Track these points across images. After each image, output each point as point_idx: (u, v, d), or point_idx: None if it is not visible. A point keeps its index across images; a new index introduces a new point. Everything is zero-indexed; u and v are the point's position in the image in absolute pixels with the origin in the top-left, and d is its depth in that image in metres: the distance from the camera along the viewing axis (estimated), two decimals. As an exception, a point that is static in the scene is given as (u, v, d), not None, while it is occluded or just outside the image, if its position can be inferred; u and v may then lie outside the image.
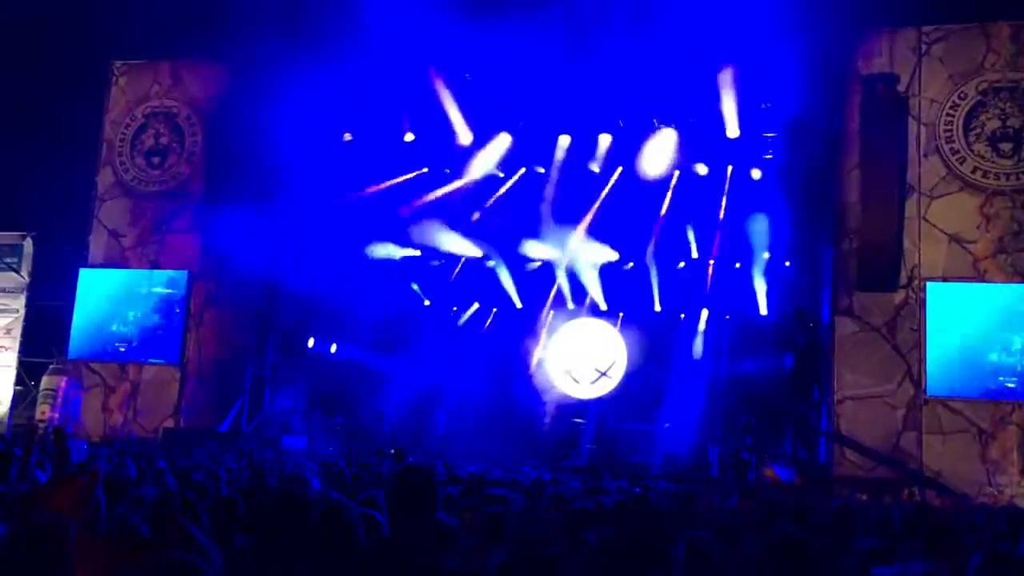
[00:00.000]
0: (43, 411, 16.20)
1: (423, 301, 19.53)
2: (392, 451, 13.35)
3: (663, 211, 17.28)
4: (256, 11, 14.40)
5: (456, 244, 18.38)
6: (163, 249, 17.22)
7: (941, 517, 6.85)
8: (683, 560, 3.47)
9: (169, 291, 17.02)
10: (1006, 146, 13.90)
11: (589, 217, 17.60)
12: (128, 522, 3.90)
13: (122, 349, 17.08)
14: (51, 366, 16.92)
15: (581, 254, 17.92)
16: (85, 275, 17.46)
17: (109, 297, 17.26)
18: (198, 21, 15.37)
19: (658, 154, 16.57)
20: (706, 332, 17.86)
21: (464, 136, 16.88)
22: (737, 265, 17.31)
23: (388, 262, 18.62)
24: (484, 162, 17.40)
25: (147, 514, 4.06)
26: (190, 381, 16.76)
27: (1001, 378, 13.39)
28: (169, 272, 17.08)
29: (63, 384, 16.57)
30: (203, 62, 17.21)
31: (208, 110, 17.03)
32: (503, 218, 18.02)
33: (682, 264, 17.70)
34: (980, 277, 13.71)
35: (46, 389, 16.48)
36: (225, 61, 16.59)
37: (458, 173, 18.02)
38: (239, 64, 16.10)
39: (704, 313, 17.80)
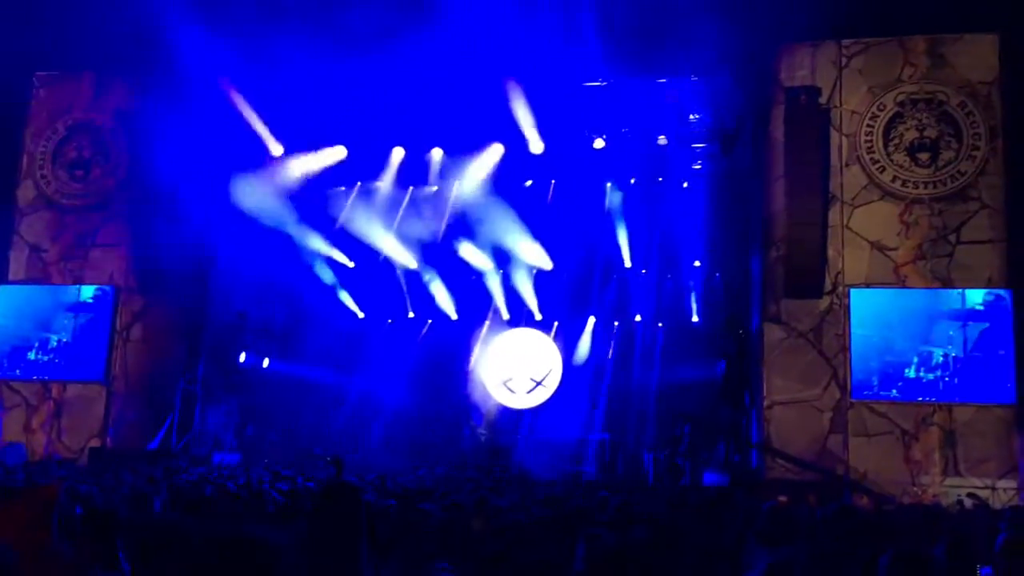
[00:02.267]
0: (-39, 433, 15.67)
1: (357, 314, 19.41)
2: (329, 459, 13.07)
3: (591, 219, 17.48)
4: (179, 24, 14.13)
5: (390, 254, 18.34)
6: (87, 264, 16.77)
7: (863, 518, 7.02)
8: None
9: (93, 307, 16.57)
10: (923, 155, 14.33)
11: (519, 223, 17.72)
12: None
13: (44, 367, 16.57)
14: (-31, 386, 16.38)
15: (516, 263, 18.02)
16: (4, 291, 16.93)
17: (30, 314, 16.75)
18: (120, 34, 15.05)
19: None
20: (640, 340, 18.09)
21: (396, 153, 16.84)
22: (668, 276, 17.59)
23: (321, 273, 18.48)
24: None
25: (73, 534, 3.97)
26: (117, 399, 16.33)
27: (922, 377, 13.78)
28: (93, 287, 16.63)
29: (-19, 404, 16.05)
30: (126, 74, 16.82)
31: (132, 122, 16.62)
32: (438, 228, 18.04)
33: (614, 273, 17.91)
34: (901, 283, 14.11)
35: (-36, 410, 15.95)
36: (148, 74, 16.23)
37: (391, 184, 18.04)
38: (163, 76, 15.78)
39: (637, 317, 18.03)
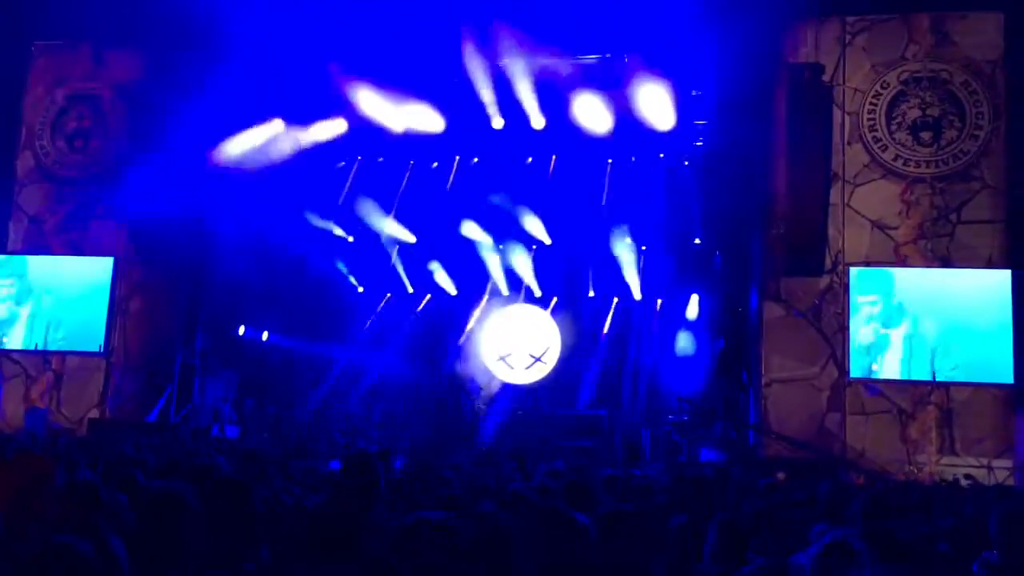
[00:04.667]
0: (-40, 404, 15.72)
1: (356, 287, 19.41)
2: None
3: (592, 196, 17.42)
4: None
5: (390, 228, 18.30)
6: (86, 235, 16.73)
7: (860, 494, 7.07)
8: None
9: (93, 278, 16.55)
10: (926, 135, 14.29)
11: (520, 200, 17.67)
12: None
13: (44, 338, 16.58)
14: (-32, 357, 16.41)
15: (515, 240, 18.02)
16: (4, 262, 16.92)
17: (30, 285, 16.75)
18: (120, 5, 14.93)
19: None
20: (638, 316, 18.12)
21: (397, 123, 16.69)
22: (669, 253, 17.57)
23: (321, 247, 18.45)
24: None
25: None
26: (116, 370, 16.37)
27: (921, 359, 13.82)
28: (93, 259, 16.61)
29: (-20, 375, 16.10)
30: (126, 45, 16.69)
31: (132, 93, 16.50)
32: (438, 203, 17.98)
33: (616, 249, 17.88)
34: (901, 262, 14.10)
35: (-37, 381, 16.00)
36: (148, 46, 16.09)
37: (392, 160, 17.98)
38: (163, 48, 15.67)
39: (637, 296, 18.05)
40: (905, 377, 13.83)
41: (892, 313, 13.99)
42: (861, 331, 14.02)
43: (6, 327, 16.71)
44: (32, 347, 16.51)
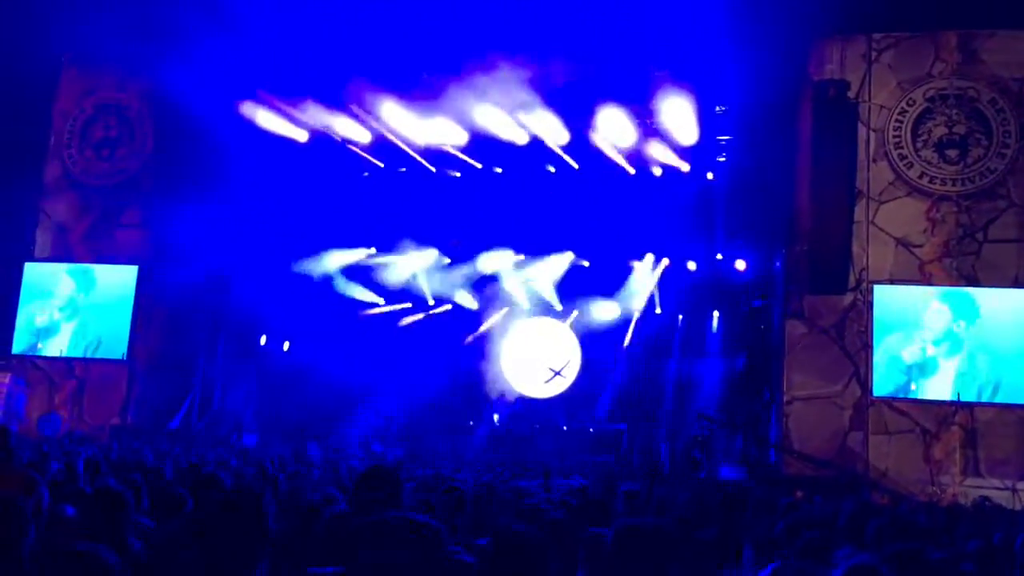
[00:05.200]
0: (-14, 408, 15.86)
1: (377, 301, 19.43)
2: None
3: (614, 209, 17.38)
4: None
5: (412, 244, 18.31)
6: (111, 243, 16.91)
7: (883, 515, 7.00)
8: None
9: (117, 286, 16.70)
10: (952, 152, 14.18)
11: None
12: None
13: (68, 345, 16.73)
14: (-5, 362, 16.59)
15: (536, 254, 18.02)
16: (31, 269, 17.11)
17: (56, 292, 16.92)
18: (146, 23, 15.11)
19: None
20: (659, 331, 18.04)
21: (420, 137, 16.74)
22: (692, 266, 17.49)
23: (341, 261, 18.50)
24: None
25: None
26: (138, 378, 16.49)
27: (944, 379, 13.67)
28: (118, 267, 16.77)
29: (7, 381, 16.21)
30: (152, 55, 16.85)
31: (159, 104, 16.66)
32: (456, 217, 18.00)
33: (636, 264, 17.83)
34: (926, 280, 13.98)
35: (-10, 386, 16.15)
36: (175, 58, 16.26)
37: (414, 174, 18.04)
38: (189, 59, 15.81)
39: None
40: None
41: (952, 340, 13.78)
42: (909, 349, 13.78)
43: (44, 336, 16.86)
44: (55, 354, 16.65)
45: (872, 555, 3.72)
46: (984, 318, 13.68)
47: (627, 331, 18.20)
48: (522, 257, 18.28)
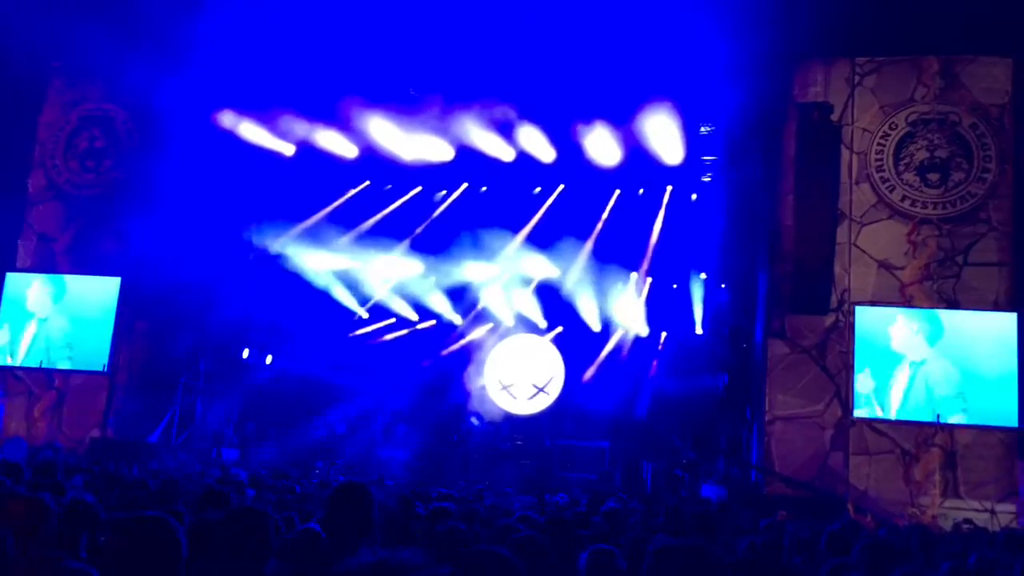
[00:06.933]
0: (-37, 420, 15.72)
1: (360, 314, 19.41)
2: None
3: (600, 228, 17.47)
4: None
5: (394, 259, 18.32)
6: (95, 254, 16.80)
7: (865, 536, 7.03)
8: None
9: (99, 297, 16.60)
10: (933, 176, 14.33)
11: (526, 231, 17.71)
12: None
13: (48, 356, 16.60)
14: (-27, 373, 16.44)
15: (520, 270, 18.03)
16: (12, 279, 16.99)
17: (37, 302, 16.80)
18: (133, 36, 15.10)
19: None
20: (643, 350, 18.09)
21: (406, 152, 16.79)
22: (674, 286, 17.58)
23: (324, 274, 18.48)
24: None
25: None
26: (119, 390, 16.37)
27: (925, 400, 13.75)
28: (100, 277, 16.66)
29: (-13, 391, 16.11)
30: (140, 66, 16.83)
31: (145, 116, 16.64)
32: (442, 233, 18.03)
33: (622, 281, 17.90)
34: (907, 302, 14.09)
35: (-33, 396, 16.00)
36: (161, 70, 16.25)
37: (400, 189, 18.08)
38: (175, 72, 15.81)
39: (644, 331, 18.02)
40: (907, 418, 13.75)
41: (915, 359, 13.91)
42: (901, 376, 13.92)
43: (11, 344, 16.73)
44: (35, 364, 16.52)
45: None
46: (947, 338, 13.79)
47: (611, 349, 18.25)
48: (507, 273, 18.32)
